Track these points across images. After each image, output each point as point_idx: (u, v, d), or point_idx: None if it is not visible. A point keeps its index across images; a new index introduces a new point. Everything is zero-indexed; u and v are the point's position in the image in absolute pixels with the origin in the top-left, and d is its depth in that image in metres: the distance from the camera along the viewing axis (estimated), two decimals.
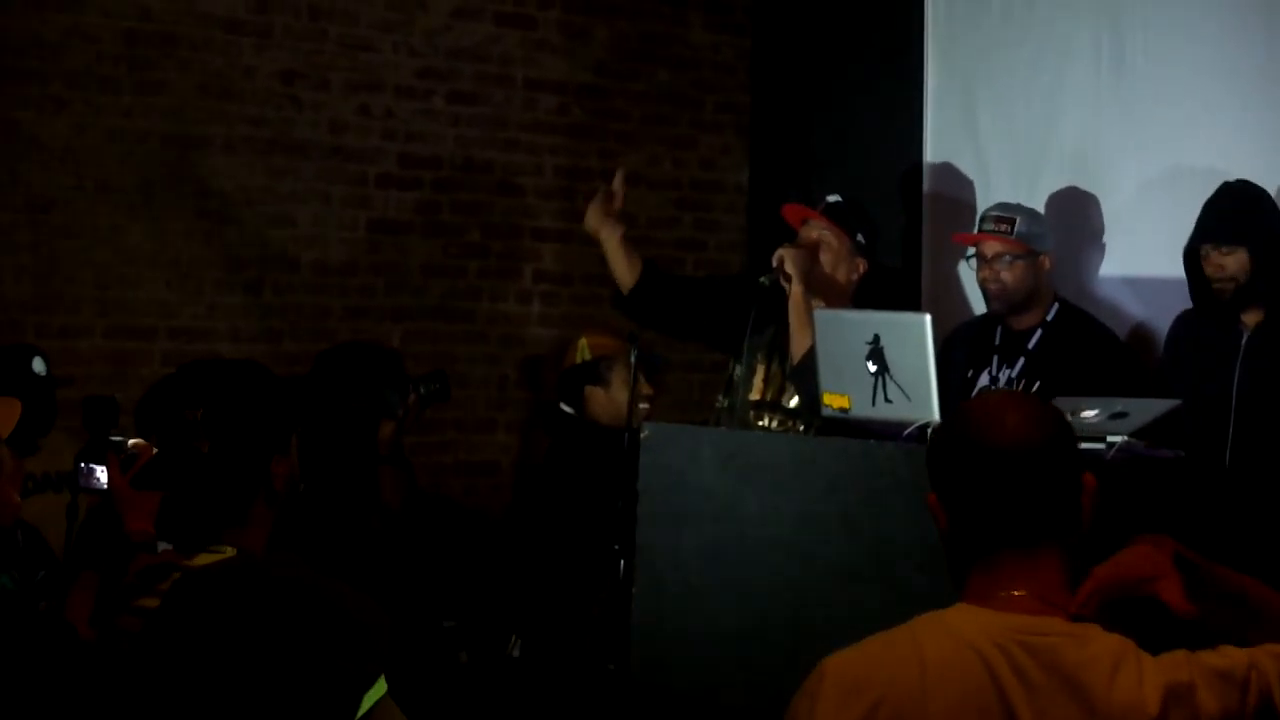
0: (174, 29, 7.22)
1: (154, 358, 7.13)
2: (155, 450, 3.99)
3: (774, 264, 5.88)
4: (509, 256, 8.02)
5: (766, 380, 6.06)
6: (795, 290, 5.82)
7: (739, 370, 6.07)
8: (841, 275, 6.02)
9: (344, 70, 7.61)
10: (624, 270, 6.43)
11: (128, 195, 7.13)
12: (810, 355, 5.45)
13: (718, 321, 6.31)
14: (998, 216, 5.90)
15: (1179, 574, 2.77)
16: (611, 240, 6.41)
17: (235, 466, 3.69)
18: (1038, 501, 2.76)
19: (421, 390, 6.51)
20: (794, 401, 5.96)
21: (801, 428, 5.89)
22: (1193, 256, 5.54)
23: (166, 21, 7.21)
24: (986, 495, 2.77)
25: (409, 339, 7.65)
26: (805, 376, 5.53)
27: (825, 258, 6.00)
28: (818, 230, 6.04)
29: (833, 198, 6.16)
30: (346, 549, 5.53)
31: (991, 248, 5.86)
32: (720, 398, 6.18)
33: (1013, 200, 6.11)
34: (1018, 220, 5.85)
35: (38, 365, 6.28)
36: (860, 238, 6.05)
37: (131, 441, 4.08)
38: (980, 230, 5.94)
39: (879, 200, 7.14)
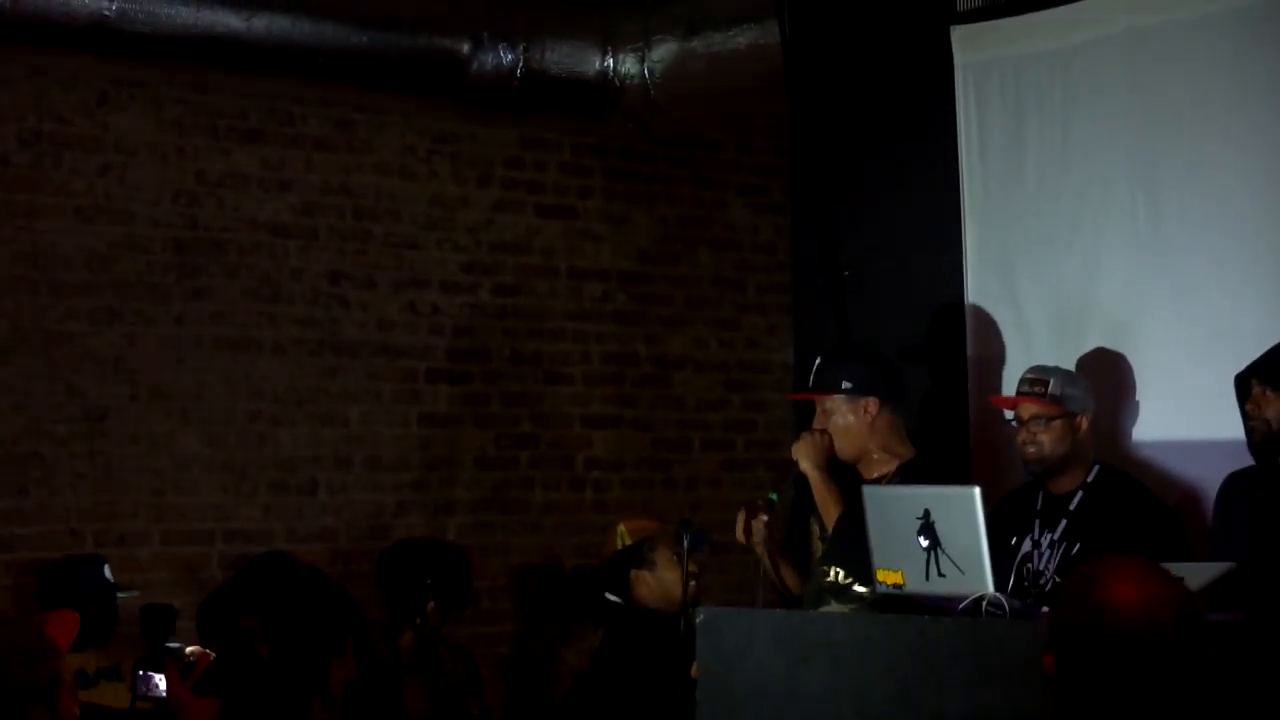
0: (221, 236, 7.33)
1: (212, 561, 7.18)
2: (213, 656, 4.02)
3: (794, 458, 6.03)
4: (560, 445, 8.06)
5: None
6: (810, 475, 5.95)
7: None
8: (853, 426, 6.01)
9: (389, 269, 7.71)
10: (792, 580, 6.16)
11: (181, 401, 7.21)
12: (839, 527, 5.63)
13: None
14: (1033, 379, 5.94)
15: None
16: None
17: (293, 671, 3.72)
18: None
19: (439, 599, 6.56)
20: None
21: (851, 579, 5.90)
22: (1243, 386, 5.52)
23: (214, 229, 7.32)
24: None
25: (464, 532, 7.68)
26: (840, 548, 5.58)
27: (830, 422, 6.01)
28: (820, 408, 6.06)
29: (814, 369, 6.18)
30: None
31: (1027, 409, 5.89)
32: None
33: (1053, 362, 6.13)
34: (1051, 382, 5.88)
35: (108, 572, 6.42)
36: (846, 384, 6.05)
37: (189, 649, 4.13)
38: (1017, 393, 5.97)
39: (923, 372, 7.16)
